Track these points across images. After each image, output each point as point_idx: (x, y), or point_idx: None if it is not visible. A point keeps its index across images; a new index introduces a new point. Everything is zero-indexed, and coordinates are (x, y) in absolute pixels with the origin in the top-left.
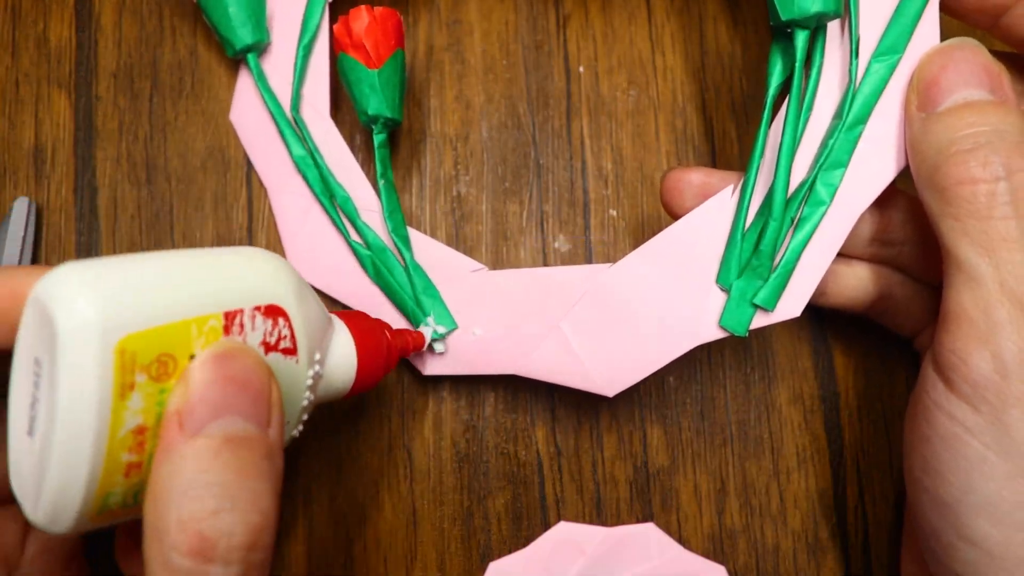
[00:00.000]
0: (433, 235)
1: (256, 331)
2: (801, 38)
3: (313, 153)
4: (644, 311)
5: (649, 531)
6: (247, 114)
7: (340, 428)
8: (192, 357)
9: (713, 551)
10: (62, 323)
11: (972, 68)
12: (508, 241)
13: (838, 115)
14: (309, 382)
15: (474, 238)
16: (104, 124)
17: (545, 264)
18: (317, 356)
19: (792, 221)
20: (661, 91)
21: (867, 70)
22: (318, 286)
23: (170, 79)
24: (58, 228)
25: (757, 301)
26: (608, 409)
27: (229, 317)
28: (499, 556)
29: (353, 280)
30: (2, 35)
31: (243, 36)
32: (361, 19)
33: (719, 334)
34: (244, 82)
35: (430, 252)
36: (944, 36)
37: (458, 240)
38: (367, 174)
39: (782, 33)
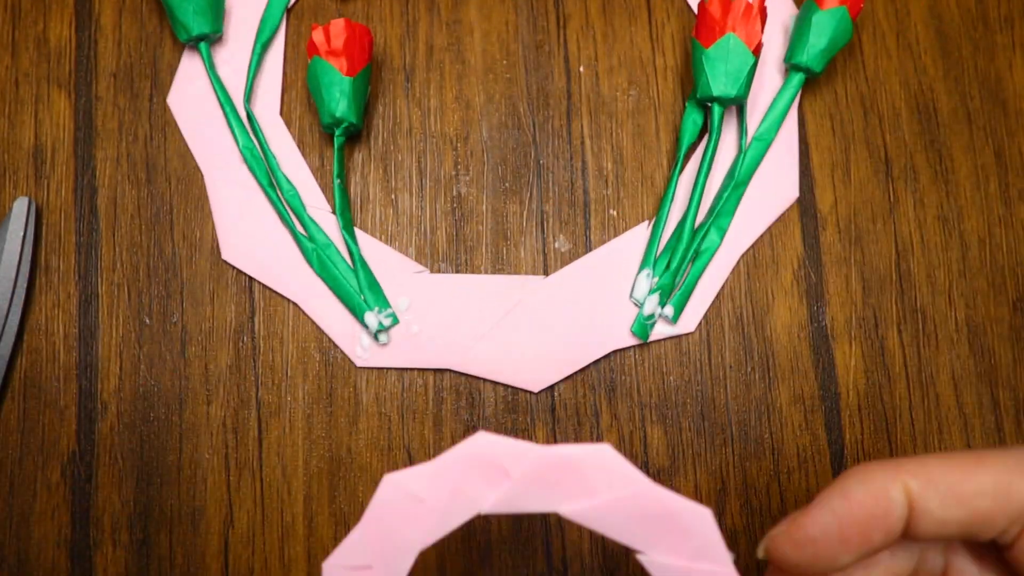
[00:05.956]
0: (433, 235)
1: None
2: (717, 112)
3: (263, 145)
4: (569, 319)
5: (604, 455)
6: (190, 99)
7: (339, 427)
8: None
9: None
10: None
11: None
12: (508, 241)
13: (729, 175)
14: None
15: (474, 238)
16: (104, 124)
17: (545, 265)
18: None
19: (694, 253)
20: (661, 91)
21: (749, 146)
22: (258, 278)
23: (170, 79)
24: (58, 228)
25: (664, 315)
26: (608, 409)
27: None
28: (499, 556)
29: (296, 273)
30: (2, 35)
31: (201, 24)
32: (342, 31)
33: (630, 341)
34: (188, 68)
35: (374, 251)
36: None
37: (458, 240)
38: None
39: (698, 104)
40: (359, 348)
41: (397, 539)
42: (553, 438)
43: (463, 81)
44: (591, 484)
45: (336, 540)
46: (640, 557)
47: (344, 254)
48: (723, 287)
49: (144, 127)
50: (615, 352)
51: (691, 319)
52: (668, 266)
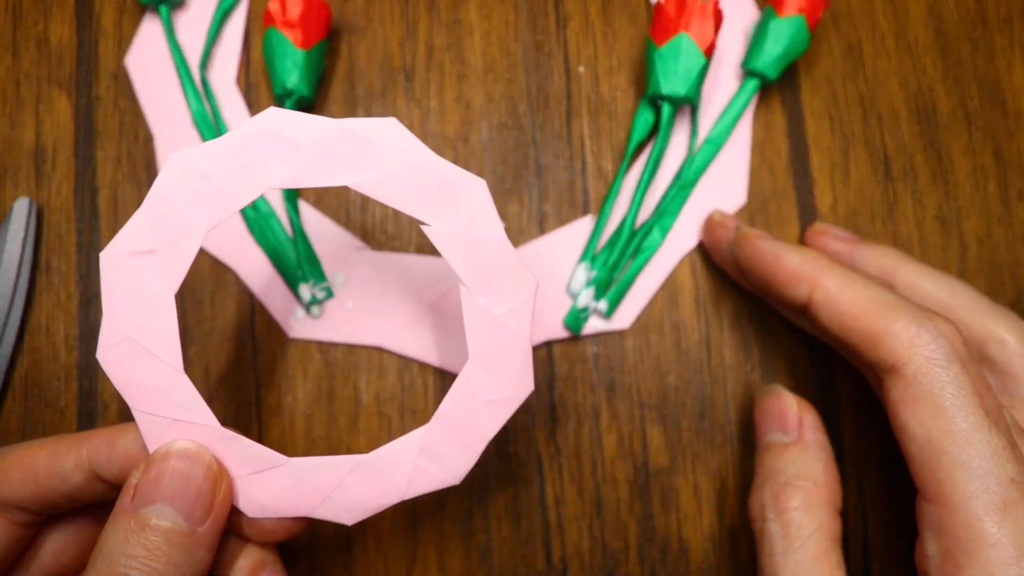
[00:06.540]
0: None
1: None
2: (667, 111)
3: (215, 112)
4: None
5: (390, 125)
6: (146, 62)
7: (339, 427)
8: None
9: (713, 551)
10: None
11: (772, 415)
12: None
13: (677, 176)
14: None
15: None
16: (104, 124)
17: None
18: None
19: (634, 250)
20: None
21: (700, 148)
22: (201, 244)
23: None
24: (59, 228)
25: (598, 309)
26: (608, 409)
27: None
28: (499, 556)
29: (238, 241)
30: (3, 35)
31: None
32: (298, 3)
33: (563, 333)
34: (147, 31)
35: (316, 225)
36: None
37: None
38: None
39: (650, 103)
40: (292, 320)
41: (183, 220)
42: (553, 438)
43: (463, 81)
44: (378, 155)
45: (335, 540)
46: (425, 228)
47: (286, 225)
48: (722, 287)
49: (144, 127)
50: (615, 352)
51: (626, 315)
52: (606, 261)
